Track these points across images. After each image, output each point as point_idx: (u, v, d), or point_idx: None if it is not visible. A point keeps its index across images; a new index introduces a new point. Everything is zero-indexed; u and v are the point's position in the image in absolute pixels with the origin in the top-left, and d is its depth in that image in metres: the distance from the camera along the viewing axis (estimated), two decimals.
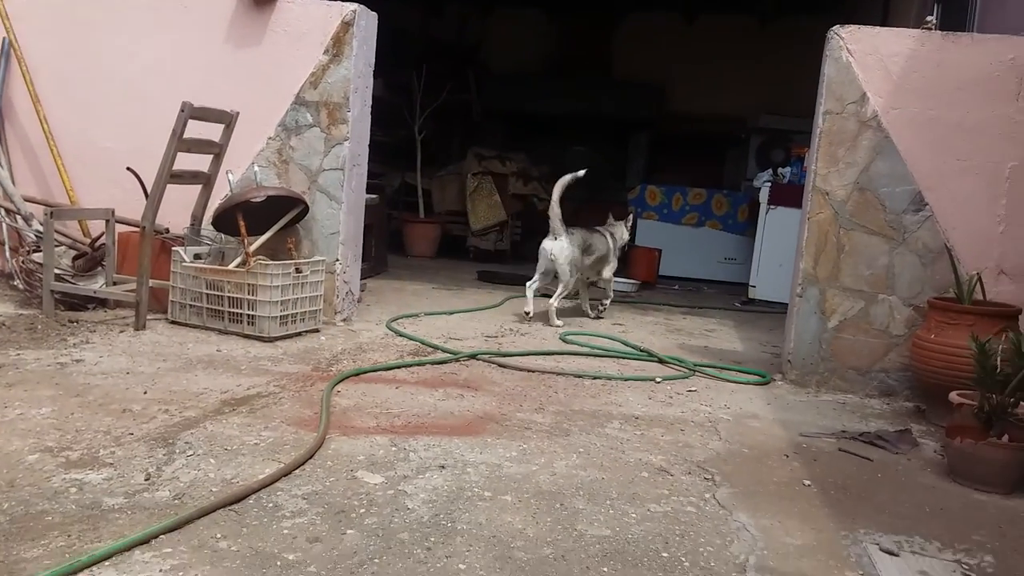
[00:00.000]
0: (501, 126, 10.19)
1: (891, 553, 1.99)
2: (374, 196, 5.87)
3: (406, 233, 8.36)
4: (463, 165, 8.72)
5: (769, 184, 6.75)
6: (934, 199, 3.52)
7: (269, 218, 3.99)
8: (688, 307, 6.10)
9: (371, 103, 4.38)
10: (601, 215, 9.77)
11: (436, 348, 3.77)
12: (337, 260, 4.12)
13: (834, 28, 3.61)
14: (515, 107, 9.97)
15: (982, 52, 3.48)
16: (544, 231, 4.91)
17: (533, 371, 3.49)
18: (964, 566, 1.96)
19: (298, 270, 3.77)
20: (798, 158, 6.69)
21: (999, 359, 2.53)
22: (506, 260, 8.48)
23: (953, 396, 2.73)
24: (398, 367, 3.36)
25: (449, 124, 10.01)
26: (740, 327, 5.30)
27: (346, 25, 4.07)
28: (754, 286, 6.70)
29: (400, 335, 4.00)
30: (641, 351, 4.08)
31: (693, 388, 3.44)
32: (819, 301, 3.63)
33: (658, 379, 3.50)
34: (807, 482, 2.44)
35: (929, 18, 3.67)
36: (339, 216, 4.12)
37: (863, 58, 3.57)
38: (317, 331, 3.91)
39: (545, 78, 10.10)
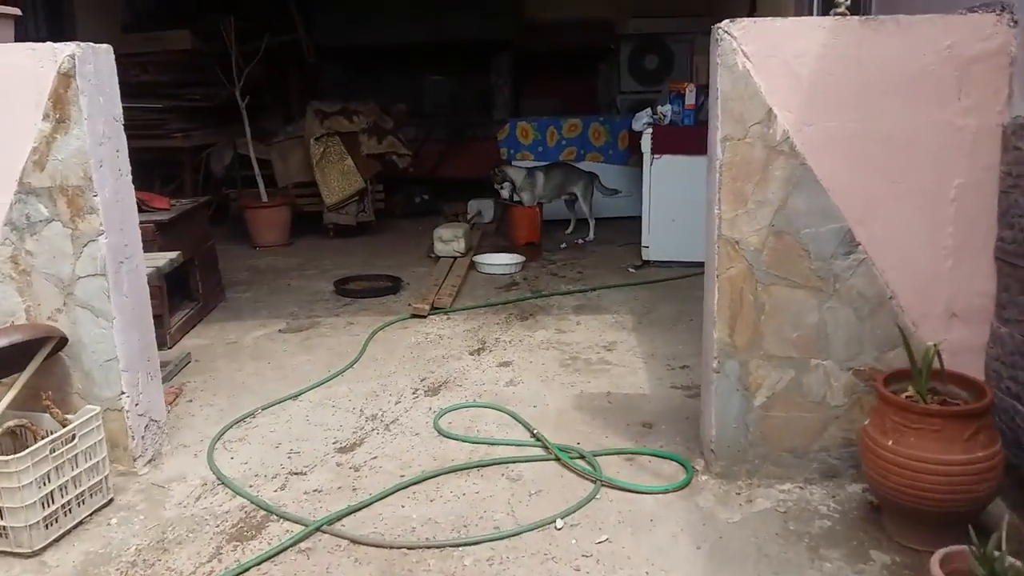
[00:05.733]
0: (342, 67, 8.89)
1: None
2: (194, 199, 4.57)
3: (250, 221, 7.21)
4: (304, 125, 7.53)
5: (650, 128, 5.91)
6: (866, 236, 2.78)
7: (10, 362, 2.94)
8: (579, 292, 5.39)
9: (131, 168, 3.27)
10: (469, 156, 8.81)
11: (269, 511, 2.88)
12: (123, 394, 3.12)
13: (721, 26, 2.70)
14: (354, 41, 8.67)
15: (911, 40, 2.66)
16: None
17: (396, 547, 2.66)
18: None
19: (65, 441, 2.78)
20: (678, 95, 5.86)
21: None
22: (372, 231, 7.54)
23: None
24: None
25: (283, 73, 8.68)
26: (640, 329, 4.61)
27: (66, 77, 2.90)
28: (647, 246, 6.00)
29: (222, 481, 3.09)
30: (533, 435, 3.34)
31: (604, 537, 2.66)
32: (740, 376, 2.91)
33: (558, 524, 2.72)
34: None
35: None
36: (112, 337, 3.09)
37: (763, 62, 2.70)
38: (110, 502, 2.96)
39: (384, 2, 8.77)
